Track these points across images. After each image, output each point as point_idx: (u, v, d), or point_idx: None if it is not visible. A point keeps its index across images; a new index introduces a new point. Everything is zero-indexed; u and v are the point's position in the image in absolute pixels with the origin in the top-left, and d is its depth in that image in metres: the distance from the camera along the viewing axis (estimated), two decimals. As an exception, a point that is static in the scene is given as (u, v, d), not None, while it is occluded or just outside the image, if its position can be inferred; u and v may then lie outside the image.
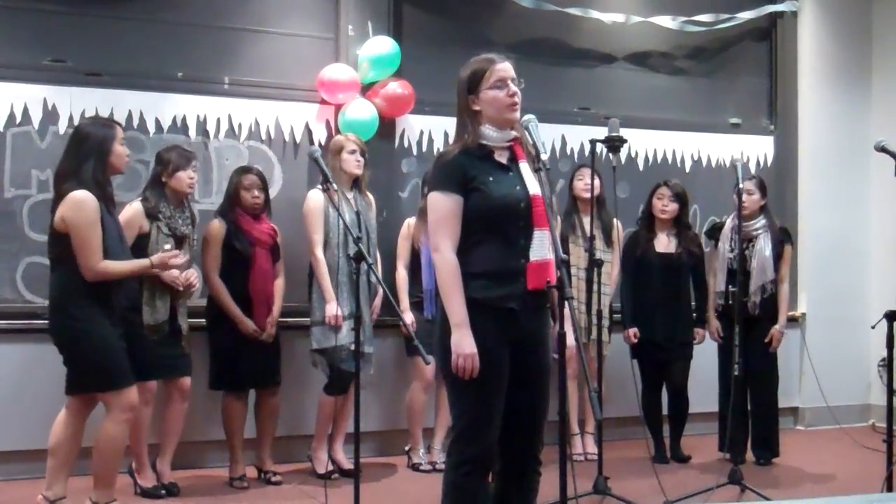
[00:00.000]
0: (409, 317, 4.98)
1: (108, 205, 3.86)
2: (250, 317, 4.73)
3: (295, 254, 5.03)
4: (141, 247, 4.30)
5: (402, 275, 5.17)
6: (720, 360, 5.35)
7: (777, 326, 5.29)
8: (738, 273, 4.91)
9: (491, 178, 2.99)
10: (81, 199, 3.74)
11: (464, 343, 2.90)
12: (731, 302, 5.11)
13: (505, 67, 3.04)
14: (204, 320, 4.82)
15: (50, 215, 3.85)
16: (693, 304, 5.47)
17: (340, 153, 4.90)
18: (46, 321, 3.93)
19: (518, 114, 3.03)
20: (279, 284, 4.91)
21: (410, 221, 5.24)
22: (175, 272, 4.30)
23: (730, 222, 5.27)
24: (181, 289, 4.43)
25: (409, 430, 5.26)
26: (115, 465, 3.88)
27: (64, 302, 3.80)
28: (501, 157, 3.06)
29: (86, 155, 3.82)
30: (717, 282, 5.32)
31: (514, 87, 3.02)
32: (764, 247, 5.22)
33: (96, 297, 3.78)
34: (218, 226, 4.77)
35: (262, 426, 4.90)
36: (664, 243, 5.41)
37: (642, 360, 5.42)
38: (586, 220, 5.05)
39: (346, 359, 4.61)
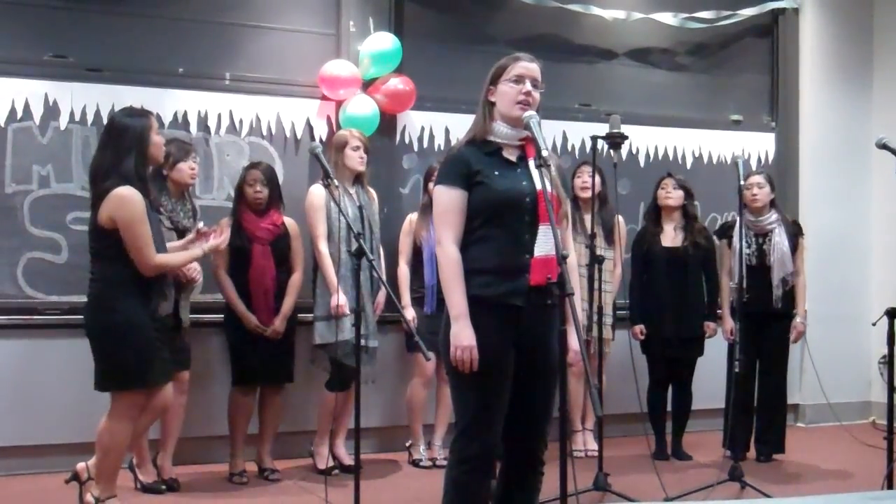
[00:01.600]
0: (409, 313, 4.98)
1: (147, 197, 3.79)
2: (252, 312, 4.73)
3: (296, 249, 5.03)
4: None
5: (403, 271, 5.16)
6: (729, 357, 5.30)
7: (798, 319, 5.28)
8: (740, 270, 4.87)
9: (497, 173, 2.97)
10: (125, 196, 3.66)
11: (462, 335, 2.88)
12: (749, 297, 4.92)
13: (528, 66, 3.02)
14: (210, 316, 4.84)
15: (91, 211, 3.76)
16: (706, 298, 5.39)
17: (344, 149, 4.88)
18: (48, 317, 3.90)
19: (526, 113, 2.95)
20: (295, 279, 4.89)
21: (412, 217, 5.24)
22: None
23: (741, 219, 5.23)
24: (184, 281, 4.42)
25: (410, 426, 5.27)
26: (118, 462, 3.86)
27: (104, 295, 3.73)
28: (511, 155, 3.03)
29: (126, 149, 3.73)
30: (735, 278, 5.25)
31: (528, 87, 2.99)
32: (782, 240, 5.21)
33: (137, 291, 3.73)
34: (225, 223, 4.77)
35: (264, 423, 4.90)
36: (670, 237, 5.39)
37: (651, 355, 5.41)
38: (587, 218, 5.04)
39: (350, 353, 4.60)
